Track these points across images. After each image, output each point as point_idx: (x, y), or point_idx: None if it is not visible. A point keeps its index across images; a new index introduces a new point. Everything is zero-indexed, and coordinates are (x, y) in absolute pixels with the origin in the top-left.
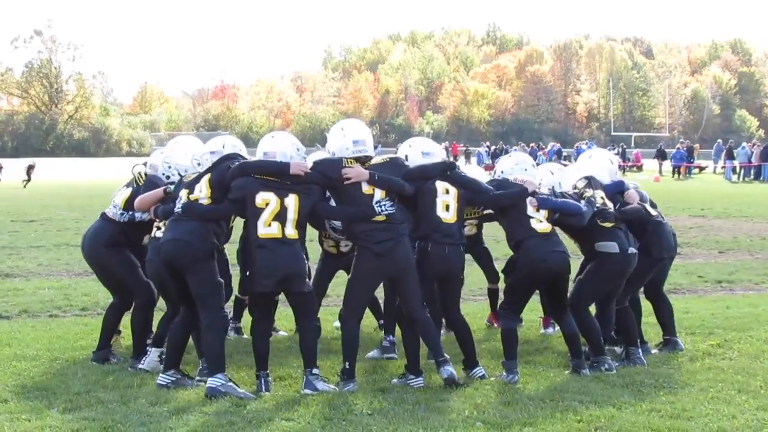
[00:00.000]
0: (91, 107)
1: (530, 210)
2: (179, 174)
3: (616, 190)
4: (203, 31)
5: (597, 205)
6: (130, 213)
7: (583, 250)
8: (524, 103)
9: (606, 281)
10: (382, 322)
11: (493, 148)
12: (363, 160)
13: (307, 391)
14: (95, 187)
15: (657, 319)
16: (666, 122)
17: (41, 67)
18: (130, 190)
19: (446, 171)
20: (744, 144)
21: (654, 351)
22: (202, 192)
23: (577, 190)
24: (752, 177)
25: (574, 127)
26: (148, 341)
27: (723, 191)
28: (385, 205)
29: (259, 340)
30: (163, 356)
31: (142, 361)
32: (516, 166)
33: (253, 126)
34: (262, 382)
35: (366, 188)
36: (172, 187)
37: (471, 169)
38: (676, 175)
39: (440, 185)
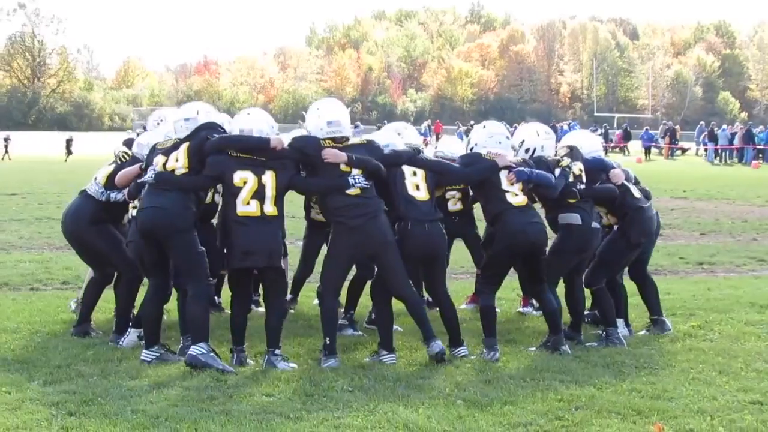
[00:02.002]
0: (74, 81)
1: (505, 184)
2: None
3: (597, 167)
4: (186, 5)
5: (571, 177)
6: (109, 192)
7: (548, 218)
8: (507, 82)
9: (569, 255)
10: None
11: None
12: (339, 140)
13: (267, 368)
14: (77, 161)
15: (643, 300)
16: (649, 104)
17: (24, 40)
18: (112, 167)
19: (411, 157)
20: (725, 126)
21: (642, 332)
22: (179, 161)
23: (556, 157)
24: (735, 159)
25: (557, 107)
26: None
27: (705, 173)
28: (359, 178)
29: (237, 315)
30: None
31: (122, 340)
32: (490, 139)
33: (236, 102)
34: (235, 356)
35: (343, 167)
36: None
37: (449, 141)
38: (646, 156)
39: (406, 169)
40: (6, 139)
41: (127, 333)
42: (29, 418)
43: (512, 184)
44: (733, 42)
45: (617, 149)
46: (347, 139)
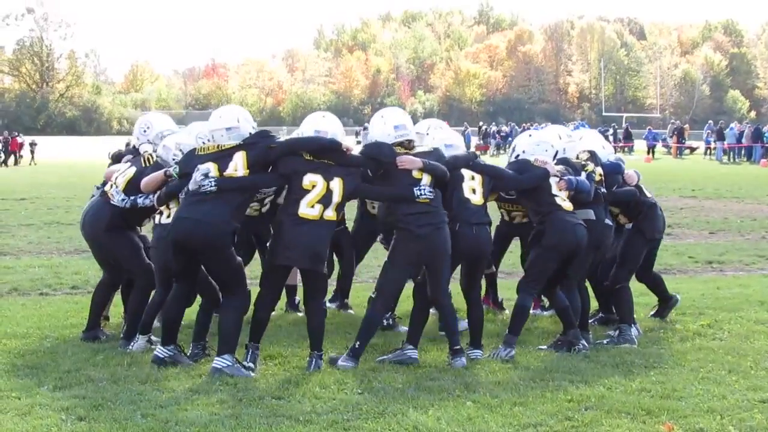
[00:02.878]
0: (82, 86)
1: (555, 189)
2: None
3: (614, 171)
4: (194, 9)
5: (595, 181)
6: (132, 198)
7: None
8: (515, 83)
9: (587, 253)
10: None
11: (484, 127)
12: (405, 145)
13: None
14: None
15: (652, 291)
16: (657, 103)
17: (32, 45)
18: (133, 170)
19: (470, 162)
20: (732, 125)
21: (651, 314)
22: (239, 171)
23: (580, 161)
24: (743, 158)
25: (566, 107)
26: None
27: (714, 172)
28: (424, 189)
29: (262, 312)
30: (151, 339)
31: (131, 345)
32: (537, 147)
33: (244, 105)
34: (250, 353)
35: (415, 173)
36: (170, 169)
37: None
38: (649, 155)
39: (466, 172)
40: (32, 144)
41: (136, 338)
42: (39, 423)
43: (561, 190)
44: (741, 41)
45: (625, 149)
46: (412, 142)
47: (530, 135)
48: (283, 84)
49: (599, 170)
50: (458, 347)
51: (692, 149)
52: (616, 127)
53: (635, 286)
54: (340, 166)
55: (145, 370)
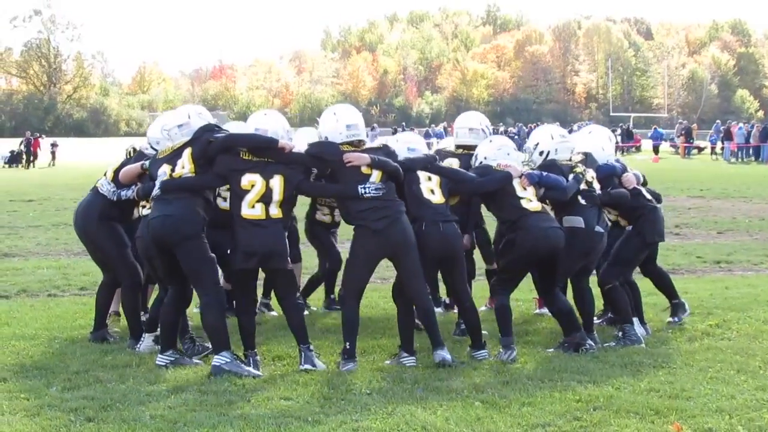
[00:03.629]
0: (89, 87)
1: (519, 191)
2: (152, 147)
3: (609, 173)
4: (202, 10)
5: (584, 183)
6: (119, 191)
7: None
8: (523, 83)
9: (574, 258)
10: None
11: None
12: (357, 144)
13: (307, 366)
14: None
15: (659, 289)
16: (665, 103)
17: (40, 46)
18: (119, 163)
19: (428, 164)
20: (740, 124)
21: (669, 320)
22: (185, 168)
23: (570, 162)
24: (752, 157)
25: (573, 107)
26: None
27: (722, 172)
28: (370, 186)
29: (244, 317)
30: (158, 338)
31: (138, 345)
32: (498, 151)
33: (252, 106)
34: (251, 361)
35: (364, 169)
36: (146, 162)
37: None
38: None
39: (421, 174)
40: (53, 145)
41: (143, 338)
42: (48, 424)
43: (525, 189)
44: (749, 40)
45: (633, 149)
46: (364, 143)
47: (491, 140)
48: (291, 85)
49: (591, 173)
50: (438, 342)
51: (700, 149)
52: (623, 126)
53: (643, 285)
54: (281, 163)
55: (154, 371)
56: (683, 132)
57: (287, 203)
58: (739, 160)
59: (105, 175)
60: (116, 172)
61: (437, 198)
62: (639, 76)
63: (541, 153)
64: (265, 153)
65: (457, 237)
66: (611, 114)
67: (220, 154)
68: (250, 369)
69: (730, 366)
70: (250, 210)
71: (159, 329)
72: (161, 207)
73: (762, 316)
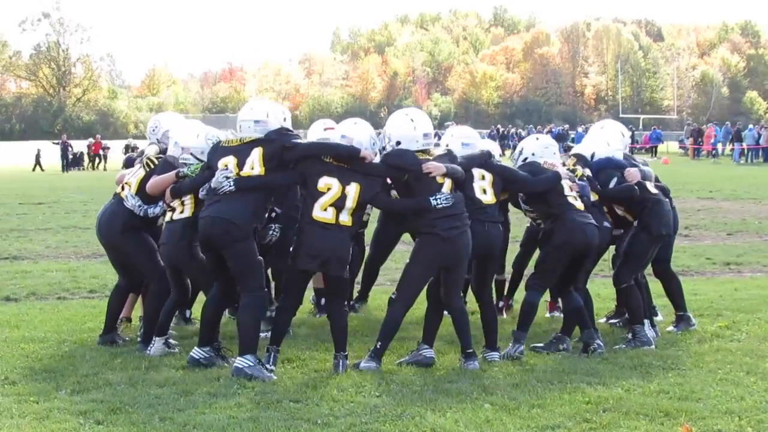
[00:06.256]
0: (98, 90)
1: (567, 190)
2: (196, 158)
3: (607, 166)
4: (211, 13)
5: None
6: (144, 207)
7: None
8: (532, 85)
9: (595, 258)
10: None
11: (501, 130)
12: (427, 151)
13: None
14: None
15: (668, 296)
16: (674, 104)
17: (49, 49)
18: (143, 172)
19: (483, 162)
20: (751, 126)
21: (669, 328)
22: (255, 170)
23: (568, 168)
24: (761, 159)
25: (583, 109)
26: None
27: (731, 173)
28: (441, 197)
29: (283, 315)
30: (169, 342)
31: (149, 349)
32: (545, 150)
33: None
34: (271, 356)
35: (438, 178)
36: (184, 170)
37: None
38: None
39: (476, 171)
40: (104, 149)
41: (153, 341)
42: (57, 428)
43: (572, 191)
44: (759, 41)
45: (643, 150)
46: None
47: (537, 138)
48: (300, 87)
49: (586, 171)
50: (471, 350)
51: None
52: (633, 128)
53: (653, 287)
54: (360, 172)
55: (163, 374)
56: (692, 134)
57: (358, 212)
58: (749, 161)
59: (128, 185)
60: (141, 185)
61: (488, 198)
62: (648, 78)
63: (521, 155)
64: (345, 161)
65: (498, 237)
66: (621, 116)
67: (300, 162)
68: (271, 375)
69: (739, 368)
70: (322, 213)
71: (200, 326)
72: (214, 207)
73: None
